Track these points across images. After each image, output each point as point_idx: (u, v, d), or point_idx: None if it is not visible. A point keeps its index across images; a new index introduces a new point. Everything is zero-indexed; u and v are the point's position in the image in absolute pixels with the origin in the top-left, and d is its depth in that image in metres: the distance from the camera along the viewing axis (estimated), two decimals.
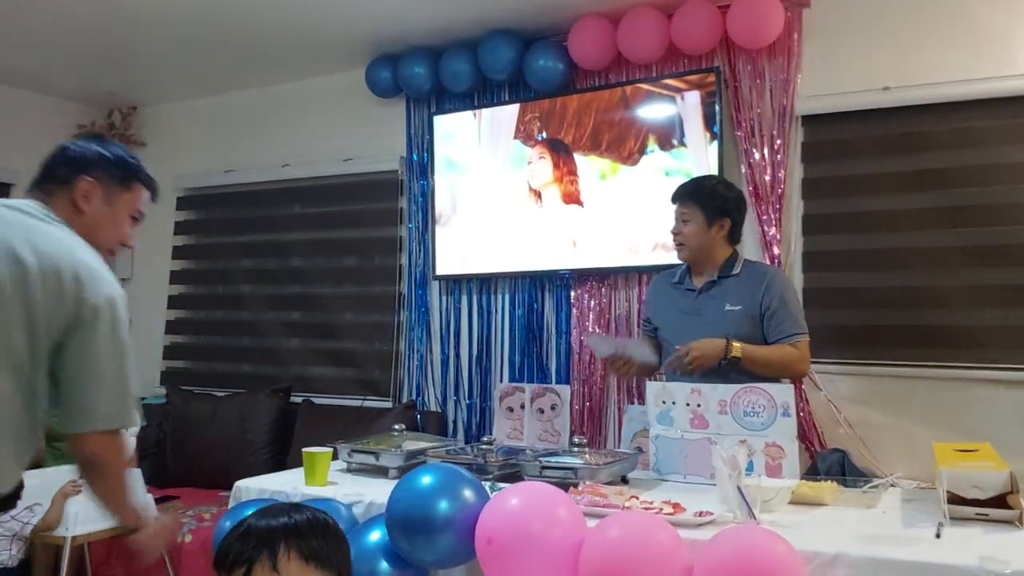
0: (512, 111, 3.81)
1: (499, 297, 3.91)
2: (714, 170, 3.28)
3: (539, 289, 3.81)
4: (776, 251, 3.26)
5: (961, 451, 2.08)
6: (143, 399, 4.31)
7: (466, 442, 3.68)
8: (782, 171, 3.28)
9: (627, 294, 3.59)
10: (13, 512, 2.72)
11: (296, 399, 4.19)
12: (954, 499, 1.83)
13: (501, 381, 3.81)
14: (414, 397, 4.04)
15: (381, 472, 2.40)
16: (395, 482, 1.95)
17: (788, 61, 3.29)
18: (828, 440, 3.13)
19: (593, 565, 1.66)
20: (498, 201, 3.83)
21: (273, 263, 4.53)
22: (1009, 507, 1.81)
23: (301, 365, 4.38)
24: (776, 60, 3.31)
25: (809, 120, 3.29)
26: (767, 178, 3.30)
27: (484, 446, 2.41)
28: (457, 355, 3.98)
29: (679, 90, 3.44)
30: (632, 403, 3.38)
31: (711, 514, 1.86)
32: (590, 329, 3.63)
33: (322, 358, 4.34)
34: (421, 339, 4.06)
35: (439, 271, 3.98)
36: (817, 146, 3.29)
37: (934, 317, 3.07)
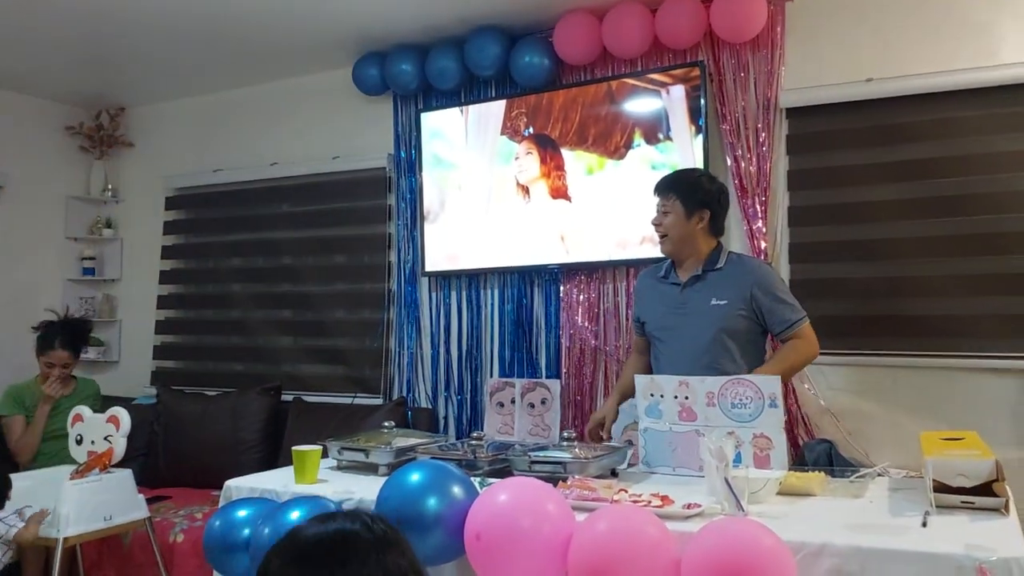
0: (499, 107, 3.81)
1: (488, 293, 3.92)
2: (700, 163, 3.30)
3: (528, 284, 3.82)
4: (763, 244, 3.28)
5: (947, 439, 2.09)
6: (133, 400, 4.31)
7: (457, 438, 3.69)
8: (767, 163, 3.30)
9: (615, 288, 3.60)
10: (1, 515, 2.72)
11: (287, 397, 4.19)
12: (940, 488, 1.84)
13: (491, 376, 3.82)
14: (404, 394, 4.05)
15: (371, 469, 2.41)
16: (385, 479, 1.96)
17: (772, 54, 3.30)
18: (814, 431, 3.15)
19: (582, 559, 1.67)
20: (486, 197, 3.84)
21: (262, 262, 4.52)
22: (995, 495, 1.82)
23: (291, 363, 4.38)
24: (760, 53, 3.33)
25: (793, 112, 3.30)
26: (752, 170, 3.31)
27: (474, 442, 2.42)
28: (447, 351, 3.99)
29: (664, 84, 3.45)
30: None
31: (699, 506, 1.87)
32: (579, 323, 3.64)
33: (312, 356, 4.34)
34: (411, 336, 4.07)
35: (428, 268, 3.99)
36: (802, 138, 3.30)
37: (920, 307, 3.09)
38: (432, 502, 1.79)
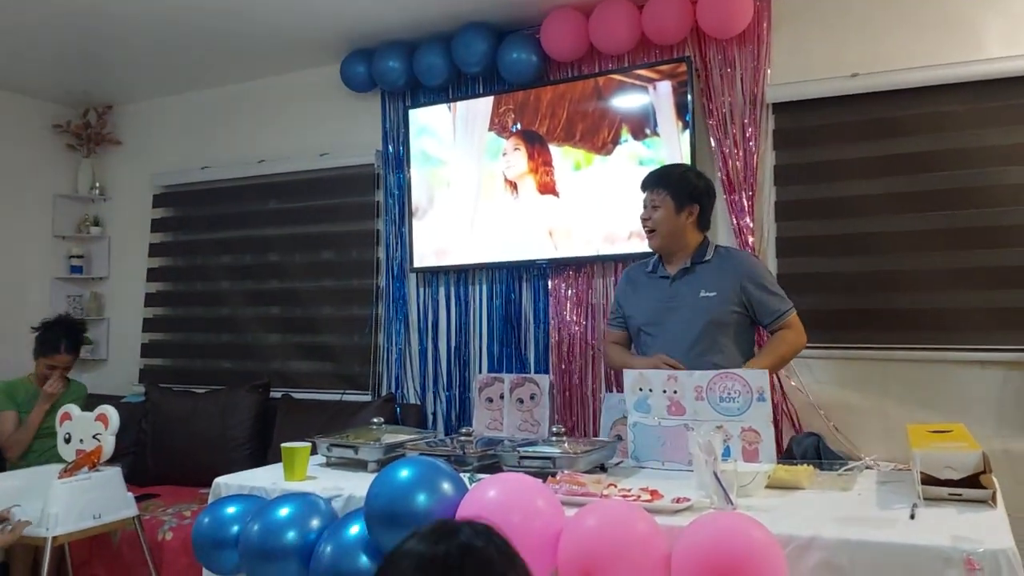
0: (486, 103, 3.81)
1: (477, 288, 3.92)
2: (687, 159, 3.31)
3: (516, 280, 3.82)
4: (750, 239, 3.29)
5: (935, 432, 2.11)
6: (122, 398, 4.30)
7: (446, 434, 3.69)
8: (754, 158, 3.31)
9: (604, 282, 3.60)
10: None
11: (276, 394, 4.18)
12: (928, 480, 1.86)
13: (480, 372, 3.82)
14: (393, 390, 4.04)
15: (360, 465, 2.41)
16: (374, 475, 1.96)
17: (758, 50, 3.32)
18: (802, 425, 3.17)
19: (571, 555, 1.67)
20: (474, 193, 3.84)
21: (250, 259, 4.51)
22: (982, 487, 1.84)
23: (280, 360, 4.37)
24: (746, 49, 3.34)
25: (780, 107, 3.31)
26: (739, 165, 3.32)
27: (463, 438, 2.42)
28: (436, 347, 3.99)
29: (651, 80, 3.45)
30: (611, 391, 3.40)
31: (688, 500, 1.87)
32: (568, 318, 3.65)
33: (301, 353, 4.33)
34: (399, 332, 4.06)
35: (416, 264, 3.98)
36: (788, 133, 3.32)
37: (907, 300, 3.11)
38: (421, 498, 1.79)
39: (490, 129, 3.80)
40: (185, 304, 4.72)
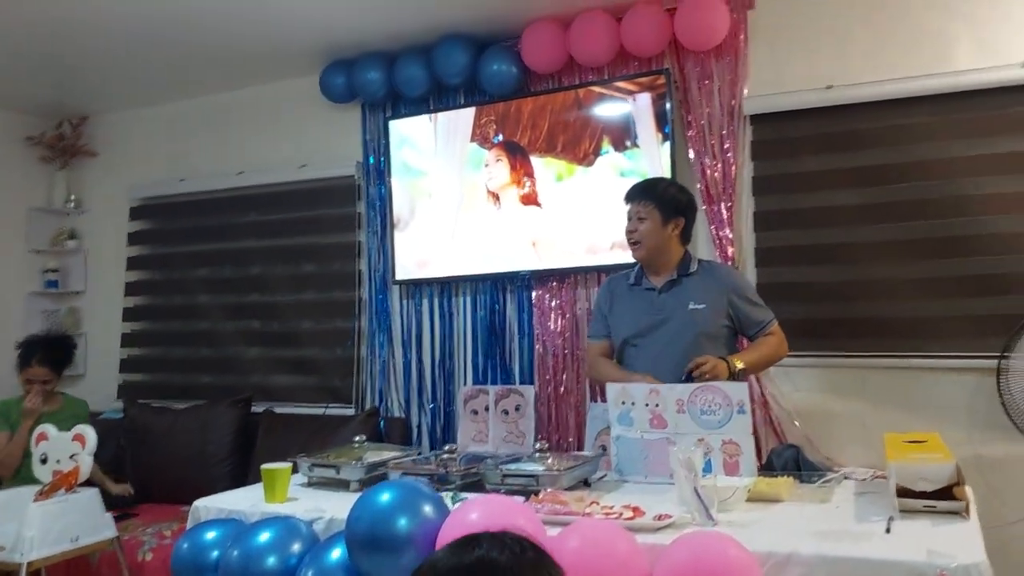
0: (468, 115, 3.81)
1: (460, 300, 3.92)
2: (667, 170, 3.33)
3: (500, 291, 3.82)
4: (730, 250, 3.31)
5: (911, 442, 2.14)
6: (100, 414, 4.25)
7: (431, 447, 3.69)
8: (732, 169, 3.34)
9: (587, 293, 3.61)
10: None
11: (257, 409, 4.13)
12: (903, 492, 1.89)
13: (465, 384, 3.82)
14: (377, 403, 4.03)
15: (342, 485, 2.39)
16: (357, 496, 1.95)
17: (735, 62, 3.34)
18: (782, 436, 3.19)
19: None
20: (456, 204, 3.84)
21: (230, 272, 4.48)
22: (955, 498, 1.87)
23: (261, 374, 4.34)
24: (723, 61, 3.36)
25: (757, 119, 3.34)
26: (718, 176, 3.35)
27: (446, 455, 2.41)
28: (419, 360, 3.98)
29: (631, 92, 3.47)
30: (595, 401, 3.41)
31: (670, 517, 1.88)
32: (552, 328, 3.65)
33: (283, 367, 4.30)
34: (382, 345, 4.05)
35: (399, 275, 3.97)
36: (766, 144, 3.35)
37: (883, 309, 3.15)
38: (403, 522, 1.79)
39: (472, 140, 3.80)
40: (164, 318, 4.68)
